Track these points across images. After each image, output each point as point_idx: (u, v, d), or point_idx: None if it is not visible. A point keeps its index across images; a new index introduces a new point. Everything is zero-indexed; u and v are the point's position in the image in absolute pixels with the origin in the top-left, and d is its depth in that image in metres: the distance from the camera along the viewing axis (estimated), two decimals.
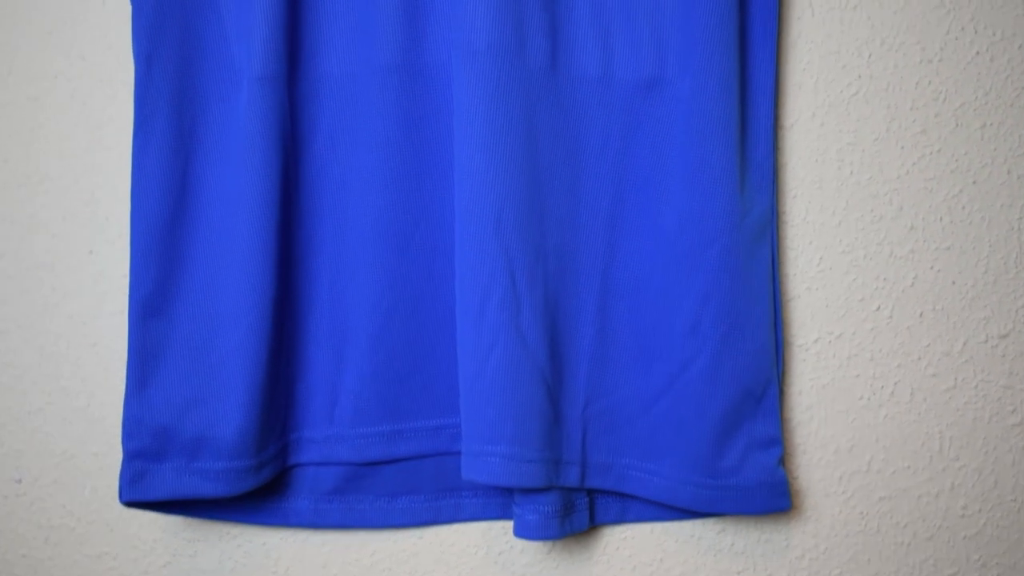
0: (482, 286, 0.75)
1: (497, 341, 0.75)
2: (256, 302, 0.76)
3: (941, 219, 0.84)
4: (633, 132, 0.80)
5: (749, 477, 0.78)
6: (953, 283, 0.84)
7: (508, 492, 0.80)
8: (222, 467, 0.75)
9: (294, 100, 0.79)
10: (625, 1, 0.79)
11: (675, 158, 0.79)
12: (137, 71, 0.78)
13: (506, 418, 0.74)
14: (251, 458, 0.76)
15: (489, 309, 0.75)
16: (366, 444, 0.79)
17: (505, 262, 0.76)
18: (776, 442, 0.79)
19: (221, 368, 0.76)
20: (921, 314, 0.84)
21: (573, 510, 0.78)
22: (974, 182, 0.84)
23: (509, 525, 0.82)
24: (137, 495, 0.75)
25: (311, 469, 0.80)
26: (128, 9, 0.82)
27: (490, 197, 0.75)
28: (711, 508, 0.77)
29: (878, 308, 0.84)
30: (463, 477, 0.75)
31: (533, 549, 0.82)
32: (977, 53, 0.85)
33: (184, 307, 0.77)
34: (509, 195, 0.76)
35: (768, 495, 0.78)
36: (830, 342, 0.84)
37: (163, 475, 0.75)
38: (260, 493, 0.80)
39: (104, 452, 0.84)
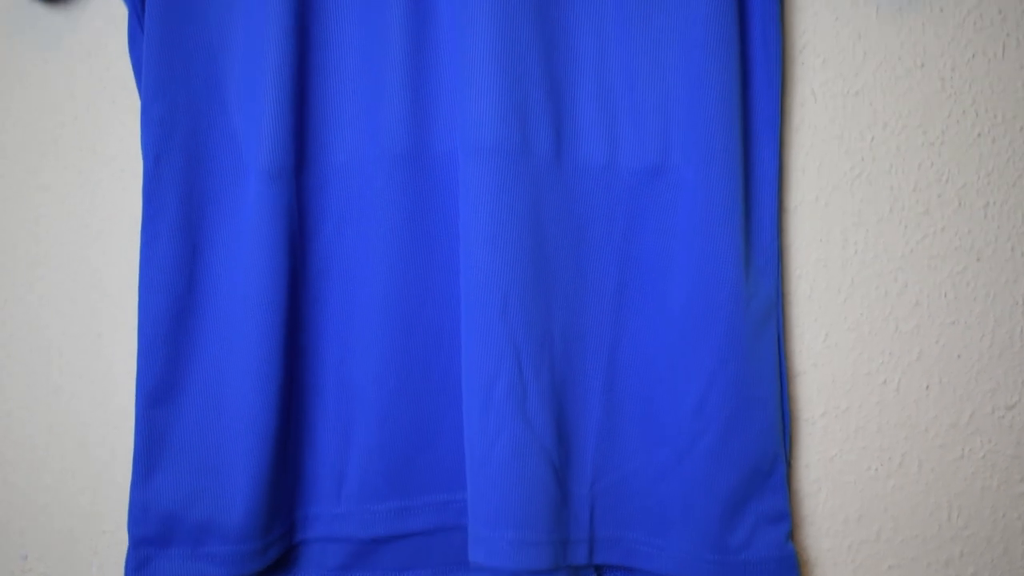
0: (488, 373, 0.79)
1: (503, 428, 0.78)
2: (263, 391, 0.79)
3: (946, 295, 0.87)
4: (638, 218, 0.83)
5: (758, 552, 0.80)
6: (959, 357, 0.87)
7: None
8: (228, 551, 0.78)
9: (301, 191, 0.82)
10: (630, 90, 0.82)
11: (680, 244, 0.82)
12: (145, 167, 0.81)
13: (513, 503, 0.77)
14: (258, 540, 0.79)
15: (495, 396, 0.78)
16: (373, 520, 0.82)
17: (511, 350, 0.79)
18: (784, 517, 0.81)
19: (227, 456, 0.79)
20: (927, 387, 0.87)
21: None
22: (978, 259, 0.87)
23: None
24: None
25: (318, 545, 0.83)
26: (138, 102, 0.86)
27: (495, 287, 0.79)
28: None
29: (884, 382, 0.87)
30: (470, 560, 0.78)
31: None
32: (979, 135, 0.87)
33: (191, 396, 0.81)
34: (514, 284, 0.79)
35: (778, 570, 0.80)
36: (837, 416, 0.87)
37: (169, 561, 0.78)
38: (267, 569, 0.83)
39: (111, 531, 0.88)
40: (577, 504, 0.81)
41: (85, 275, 0.89)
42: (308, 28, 0.82)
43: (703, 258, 0.81)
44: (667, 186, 0.82)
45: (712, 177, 0.81)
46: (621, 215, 0.83)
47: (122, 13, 0.87)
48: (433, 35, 0.82)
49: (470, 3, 0.80)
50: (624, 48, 0.82)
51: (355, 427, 0.83)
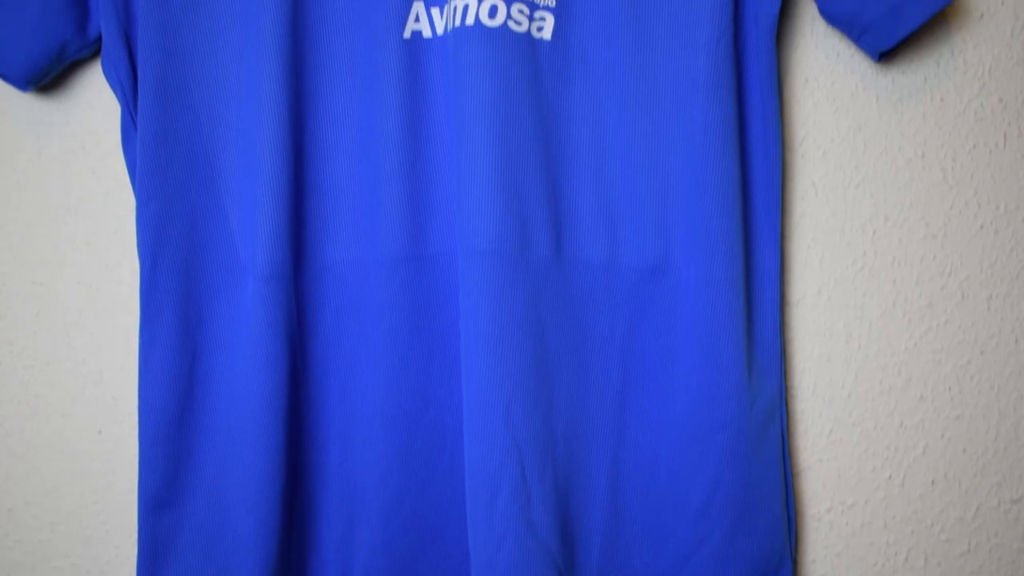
0: (492, 479, 0.78)
1: (508, 533, 0.77)
2: (266, 492, 0.78)
3: (950, 389, 0.86)
4: (640, 317, 0.82)
5: None
6: (964, 451, 0.86)
7: None
8: None
9: (300, 290, 0.81)
10: (630, 185, 0.82)
11: (683, 345, 0.81)
12: (142, 269, 0.80)
13: None
14: None
15: (500, 502, 0.78)
16: None
17: (515, 455, 0.78)
18: None
19: (232, 558, 0.79)
20: (933, 482, 0.86)
21: None
22: (982, 352, 0.86)
23: None
24: None
25: None
26: (132, 193, 0.85)
27: (498, 393, 0.78)
28: None
29: (890, 477, 0.86)
30: None
31: None
32: (981, 227, 0.87)
33: (193, 499, 0.80)
34: (517, 390, 0.78)
35: None
36: (843, 511, 0.86)
37: None
38: None
39: None
40: None
41: (84, 371, 0.88)
42: (304, 127, 0.81)
43: (706, 360, 0.80)
44: (669, 285, 0.82)
45: (714, 277, 0.80)
46: (623, 314, 0.82)
47: (116, 104, 0.86)
48: (430, 134, 0.82)
49: (466, 102, 0.79)
50: (622, 141, 0.82)
51: (359, 526, 0.82)
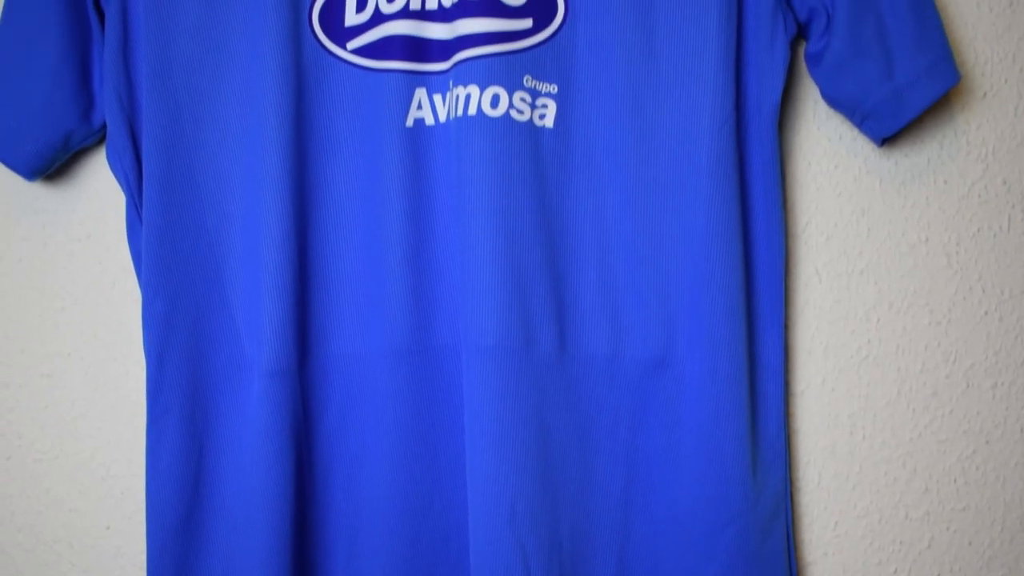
0: None
1: None
2: None
3: (955, 480, 0.84)
4: (643, 411, 0.80)
5: None
6: (970, 544, 0.85)
7: None
8: None
9: (305, 384, 0.80)
10: (633, 280, 0.80)
11: (687, 440, 0.79)
12: (149, 367, 0.79)
13: None
14: None
15: None
16: None
17: (520, 555, 0.77)
18: None
19: None
20: (939, 575, 0.84)
21: None
22: (987, 442, 0.85)
23: None
24: None
25: None
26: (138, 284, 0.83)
27: (503, 494, 0.76)
28: None
29: (895, 571, 0.84)
30: None
31: None
32: (986, 313, 0.85)
33: None
34: (522, 490, 0.77)
35: None
36: None
37: None
38: None
39: None
40: None
41: (92, 466, 0.86)
42: (308, 219, 0.80)
43: (710, 456, 0.78)
44: (672, 379, 0.80)
45: (718, 370, 0.78)
46: (626, 408, 0.80)
47: (121, 194, 0.83)
48: (433, 225, 0.80)
49: (468, 194, 0.77)
50: (625, 232, 0.80)
51: None
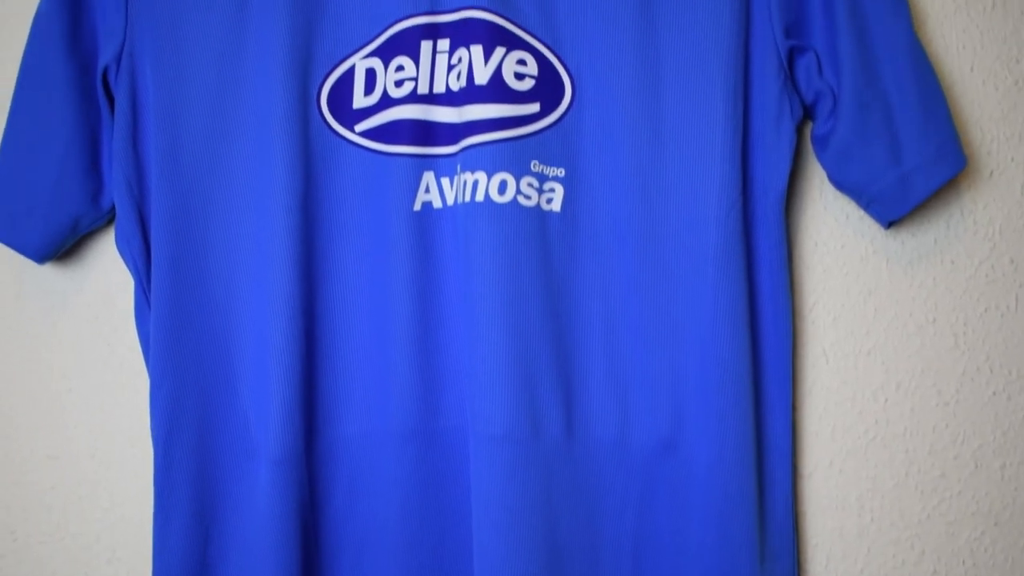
0: None
1: None
2: None
3: (964, 562, 0.84)
4: (651, 496, 0.80)
5: None
6: None
7: None
8: None
9: (312, 466, 0.80)
10: (641, 364, 0.80)
11: (694, 527, 0.79)
12: (156, 451, 0.79)
13: None
14: None
15: None
16: None
17: None
18: None
19: None
20: None
21: None
22: (995, 524, 0.84)
23: None
24: None
25: None
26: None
27: None
28: None
29: None
30: None
31: None
32: (994, 393, 0.85)
33: None
34: (529, 575, 0.77)
35: None
36: None
37: None
38: None
39: None
40: None
41: (97, 549, 0.86)
42: (316, 302, 0.80)
43: (717, 544, 0.78)
44: (679, 464, 0.80)
45: (725, 456, 0.78)
46: (634, 493, 0.80)
47: (129, 275, 0.83)
48: (441, 307, 0.80)
49: (475, 279, 0.78)
50: (633, 316, 0.80)
51: None
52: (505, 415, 0.77)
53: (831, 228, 0.85)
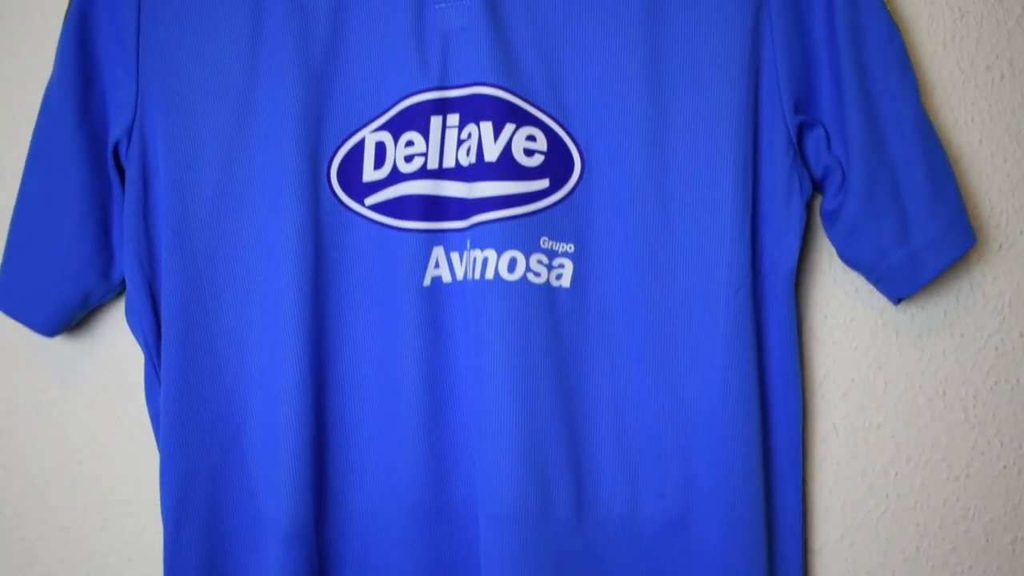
0: None
1: None
2: None
3: None
4: (661, 573, 0.80)
5: None
6: None
7: None
8: None
9: (322, 544, 0.80)
10: (651, 441, 0.80)
11: None
12: (166, 527, 0.79)
13: None
14: None
15: None
16: None
17: None
18: None
19: None
20: None
21: None
22: None
23: None
24: None
25: None
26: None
27: None
28: None
29: None
30: None
31: None
32: (1004, 467, 0.85)
33: None
34: None
35: None
36: None
37: None
38: None
39: None
40: None
41: None
42: (325, 379, 0.80)
43: None
44: (690, 540, 0.80)
45: (736, 532, 0.78)
46: (644, 570, 0.80)
47: (138, 346, 0.83)
48: (451, 383, 0.80)
49: (485, 356, 0.78)
50: (643, 392, 0.80)
51: None
52: (515, 494, 0.77)
53: (840, 301, 0.85)
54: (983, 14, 0.86)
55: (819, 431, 0.84)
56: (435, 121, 0.80)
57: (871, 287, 0.84)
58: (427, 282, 0.79)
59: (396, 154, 0.80)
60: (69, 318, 0.82)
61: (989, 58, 0.86)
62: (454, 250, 0.80)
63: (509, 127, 0.79)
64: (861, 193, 0.79)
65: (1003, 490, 0.85)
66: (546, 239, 0.79)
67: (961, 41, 0.86)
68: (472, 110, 0.80)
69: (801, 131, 0.81)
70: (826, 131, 0.81)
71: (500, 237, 0.78)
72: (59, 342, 0.86)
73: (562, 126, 0.80)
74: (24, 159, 0.82)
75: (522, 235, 0.78)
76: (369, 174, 0.81)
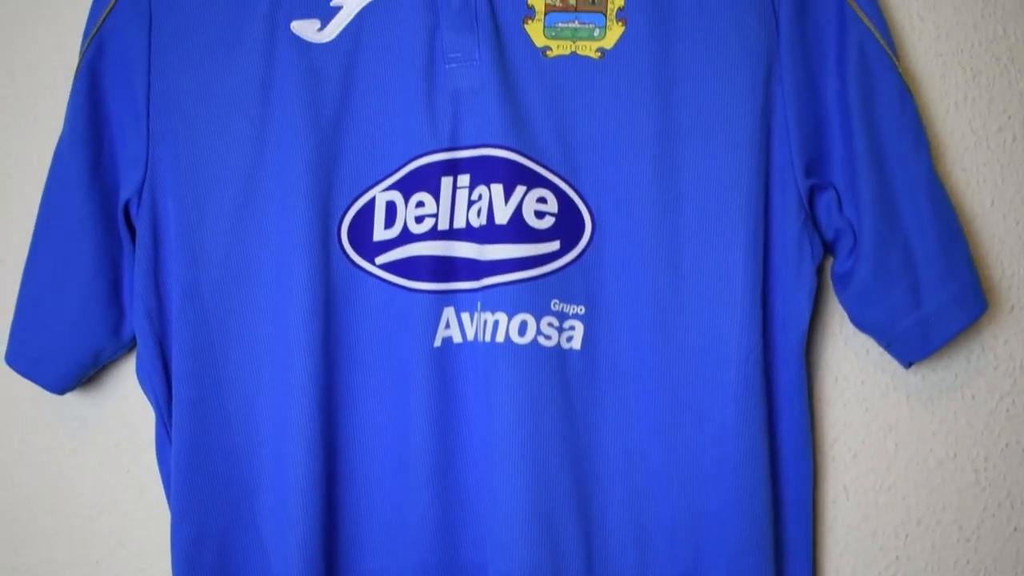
0: None
1: None
2: None
3: None
4: None
5: None
6: None
7: None
8: None
9: None
10: (661, 507, 0.79)
11: None
12: None
13: None
14: None
15: None
16: None
17: None
18: None
19: None
20: None
21: None
22: None
23: None
24: None
25: None
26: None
27: None
28: None
29: None
30: None
31: None
32: (1015, 529, 0.85)
33: None
34: None
35: None
36: None
37: None
38: None
39: None
40: None
41: None
42: (336, 438, 0.80)
43: None
44: None
45: None
46: None
47: (151, 410, 0.83)
48: (462, 443, 0.80)
49: (496, 419, 0.78)
50: (654, 458, 0.80)
51: None
52: (525, 558, 0.77)
53: (851, 363, 0.85)
54: (995, 75, 0.86)
55: (830, 493, 0.84)
56: (446, 182, 0.80)
57: (882, 349, 0.84)
58: (438, 343, 0.79)
59: (407, 214, 0.80)
60: (80, 376, 0.82)
61: (1001, 119, 0.86)
62: (465, 311, 0.80)
63: (520, 189, 0.79)
64: (872, 257, 0.79)
65: (1014, 552, 0.85)
66: (557, 301, 0.79)
67: (973, 102, 0.86)
68: (483, 171, 0.80)
69: (812, 194, 0.81)
70: (838, 193, 0.81)
71: (511, 301, 0.78)
72: (70, 397, 0.86)
73: (573, 187, 0.80)
74: (35, 214, 0.82)
75: (533, 298, 0.78)
76: (380, 233, 0.81)
